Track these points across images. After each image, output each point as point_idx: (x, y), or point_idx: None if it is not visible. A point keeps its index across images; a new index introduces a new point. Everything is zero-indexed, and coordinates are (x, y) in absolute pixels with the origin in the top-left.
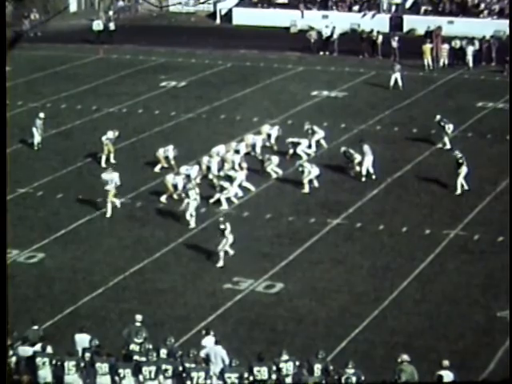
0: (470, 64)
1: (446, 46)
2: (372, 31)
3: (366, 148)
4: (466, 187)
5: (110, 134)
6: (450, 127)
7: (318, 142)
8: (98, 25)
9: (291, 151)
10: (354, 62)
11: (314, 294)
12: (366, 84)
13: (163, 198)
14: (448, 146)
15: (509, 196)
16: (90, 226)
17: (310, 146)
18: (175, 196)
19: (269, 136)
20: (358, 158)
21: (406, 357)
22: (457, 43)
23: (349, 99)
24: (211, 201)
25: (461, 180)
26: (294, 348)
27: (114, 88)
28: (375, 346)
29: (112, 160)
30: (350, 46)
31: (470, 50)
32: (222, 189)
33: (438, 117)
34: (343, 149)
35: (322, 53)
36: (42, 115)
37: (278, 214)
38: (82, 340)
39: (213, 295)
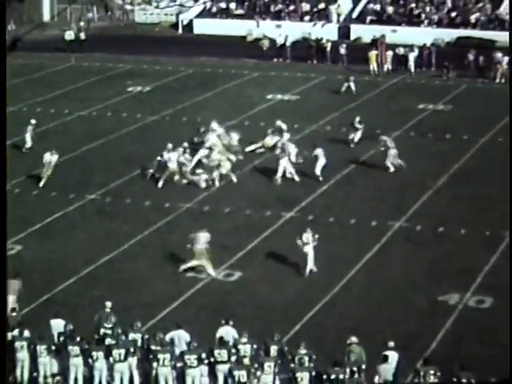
0: (412, 69)
1: (389, 53)
2: (322, 39)
3: (319, 151)
4: (391, 169)
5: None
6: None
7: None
8: (69, 35)
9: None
10: (306, 68)
11: (270, 282)
12: (316, 88)
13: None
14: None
15: (509, 196)
16: (63, 220)
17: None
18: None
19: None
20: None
21: (354, 339)
22: (400, 50)
23: (301, 102)
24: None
25: (389, 161)
26: (252, 331)
27: (85, 93)
28: (327, 329)
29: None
30: (301, 53)
31: (411, 56)
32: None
33: (358, 119)
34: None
35: (275, 59)
36: (33, 121)
37: (236, 208)
38: (58, 324)
39: (176, 283)
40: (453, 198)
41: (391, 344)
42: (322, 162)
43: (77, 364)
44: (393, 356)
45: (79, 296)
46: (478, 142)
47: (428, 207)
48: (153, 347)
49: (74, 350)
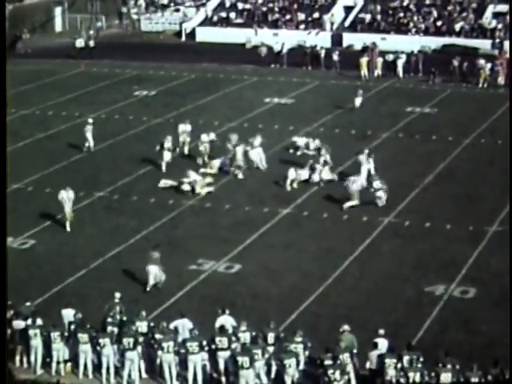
0: (401, 75)
1: (379, 59)
2: (316, 46)
3: (362, 157)
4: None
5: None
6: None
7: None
8: (79, 42)
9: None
10: (301, 73)
11: (268, 274)
12: (311, 92)
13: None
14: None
15: (509, 196)
16: (74, 216)
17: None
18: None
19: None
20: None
21: (346, 327)
22: (389, 57)
23: (296, 105)
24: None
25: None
26: (250, 320)
27: (94, 97)
28: (320, 318)
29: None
30: (297, 60)
31: (400, 62)
32: None
33: (298, 139)
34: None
35: (273, 65)
36: (90, 121)
37: (235, 204)
38: (68, 314)
39: (180, 275)
40: (439, 196)
41: (381, 332)
42: (367, 166)
43: (85, 350)
44: (382, 343)
45: (88, 287)
46: (462, 143)
47: (416, 204)
48: (157, 336)
49: (84, 337)
